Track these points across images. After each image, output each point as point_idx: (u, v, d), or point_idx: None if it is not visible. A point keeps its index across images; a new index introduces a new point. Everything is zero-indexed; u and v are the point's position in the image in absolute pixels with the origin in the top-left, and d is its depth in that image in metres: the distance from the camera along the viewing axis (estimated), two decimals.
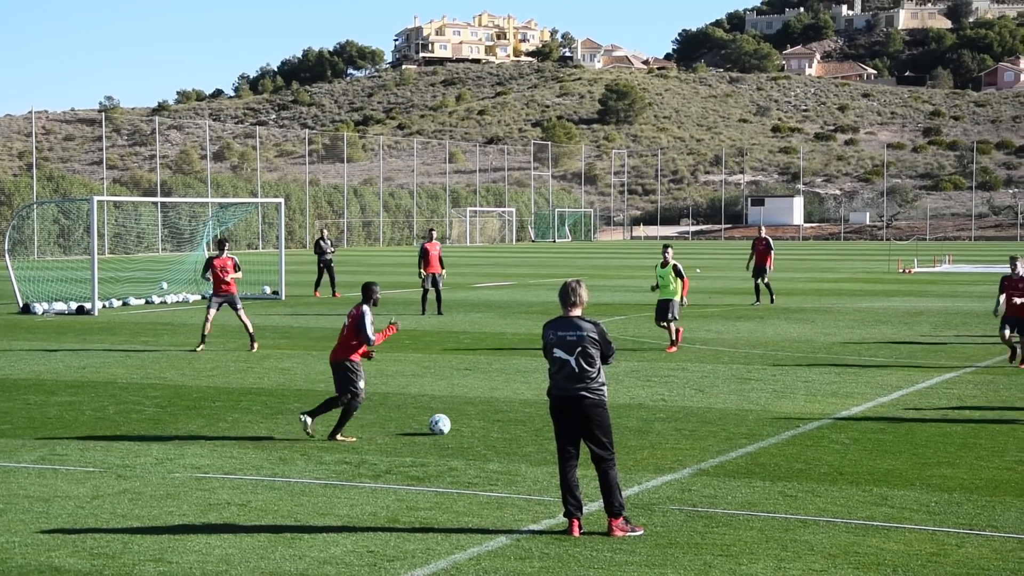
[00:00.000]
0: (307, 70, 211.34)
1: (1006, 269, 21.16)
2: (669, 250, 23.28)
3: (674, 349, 22.46)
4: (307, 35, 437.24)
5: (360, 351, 13.96)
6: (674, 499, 11.00)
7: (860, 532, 9.87)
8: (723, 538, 9.68)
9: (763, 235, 33.56)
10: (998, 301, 20.58)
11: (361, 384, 13.93)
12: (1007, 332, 19.77)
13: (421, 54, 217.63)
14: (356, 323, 13.91)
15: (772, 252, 33.41)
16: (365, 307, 13.92)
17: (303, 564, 9.04)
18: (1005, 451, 13.10)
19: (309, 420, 13.74)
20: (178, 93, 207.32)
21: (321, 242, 36.85)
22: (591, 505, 10.39)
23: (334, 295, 36.08)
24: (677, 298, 22.81)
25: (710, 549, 9.39)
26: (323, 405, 13.98)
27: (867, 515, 10.40)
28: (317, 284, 37.01)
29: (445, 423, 14.12)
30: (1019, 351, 19.81)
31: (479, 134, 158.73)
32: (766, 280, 33.18)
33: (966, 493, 11.17)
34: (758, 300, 33.27)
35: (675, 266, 22.88)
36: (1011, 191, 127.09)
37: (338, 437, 13.80)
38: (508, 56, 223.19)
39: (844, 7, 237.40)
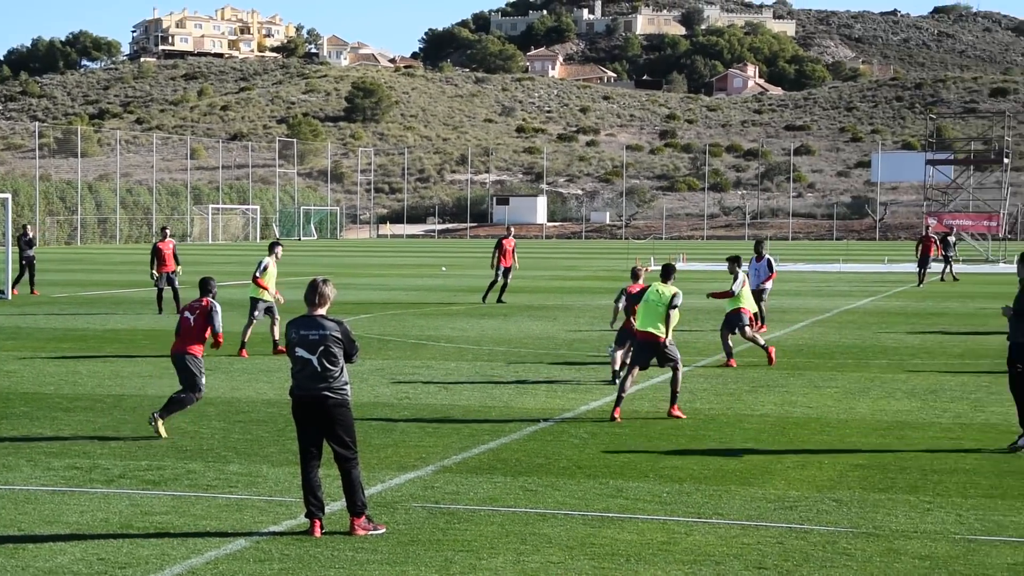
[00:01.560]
0: (37, 60, 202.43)
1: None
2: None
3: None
4: (37, 24, 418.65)
5: (201, 345, 14.08)
6: (417, 496, 11.03)
7: (596, 524, 10.14)
8: (464, 534, 9.78)
9: (510, 234, 34.18)
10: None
11: (203, 380, 14.15)
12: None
13: (161, 47, 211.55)
14: (207, 315, 14.01)
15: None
16: (213, 299, 14.16)
17: (26, 575, 8.64)
18: (731, 442, 13.69)
19: (161, 420, 13.73)
20: None
21: (22, 239, 35.85)
22: (334, 505, 10.32)
23: (32, 292, 35.15)
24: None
25: (451, 545, 9.46)
26: (171, 404, 13.98)
27: (603, 507, 10.69)
28: (23, 281, 35.64)
29: None
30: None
31: (222, 130, 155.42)
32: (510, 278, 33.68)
33: (695, 483, 11.62)
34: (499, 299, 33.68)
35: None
36: (740, 193, 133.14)
37: (160, 423, 13.70)
38: (252, 51, 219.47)
39: (585, 11, 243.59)
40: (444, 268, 54.12)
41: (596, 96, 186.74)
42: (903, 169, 76.56)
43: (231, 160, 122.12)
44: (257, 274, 21.75)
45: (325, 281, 10.14)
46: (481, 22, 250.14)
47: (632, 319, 17.05)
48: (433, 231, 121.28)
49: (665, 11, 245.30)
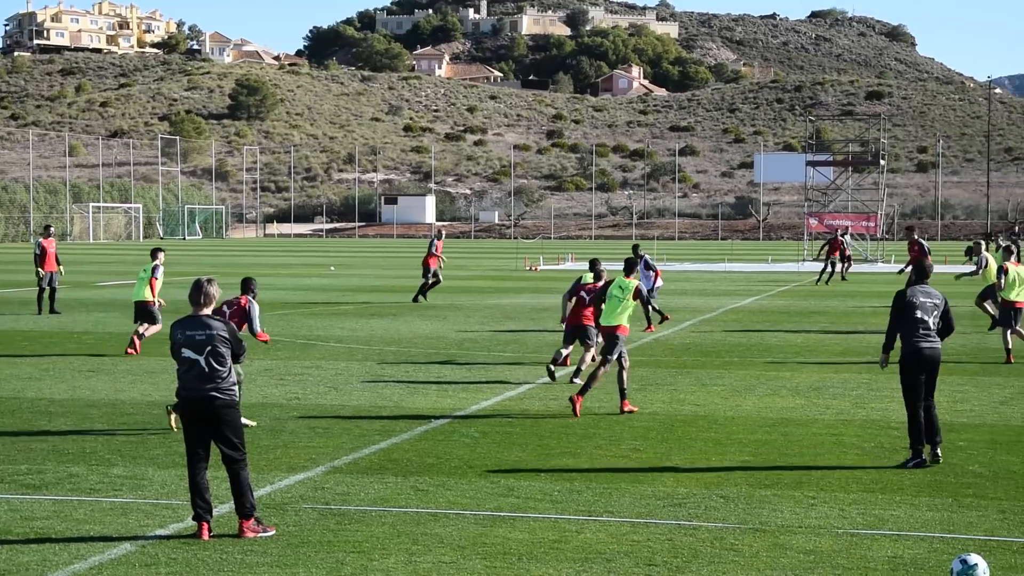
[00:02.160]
0: None
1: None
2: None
3: None
4: None
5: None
6: (307, 497, 10.93)
7: (488, 523, 10.15)
8: (355, 535, 9.71)
9: (440, 235, 34.91)
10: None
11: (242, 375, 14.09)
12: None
13: (36, 41, 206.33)
14: (242, 313, 14.22)
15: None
16: (252, 299, 14.31)
17: None
18: (621, 440, 13.81)
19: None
20: None
21: None
22: (222, 507, 10.17)
23: None
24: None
25: (342, 546, 9.39)
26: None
27: (495, 506, 10.70)
28: None
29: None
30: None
31: (102, 127, 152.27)
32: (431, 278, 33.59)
33: (586, 481, 11.70)
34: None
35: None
36: (627, 192, 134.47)
37: (174, 418, 13.80)
38: (132, 47, 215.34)
39: (471, 11, 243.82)
40: (332, 268, 53.72)
41: (483, 96, 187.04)
42: (784, 170, 77.98)
43: (112, 158, 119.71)
44: (155, 279, 21.87)
45: (210, 281, 10.01)
46: (367, 20, 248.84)
47: (582, 316, 17.89)
48: (321, 230, 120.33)
49: (550, 12, 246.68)
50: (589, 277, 18.41)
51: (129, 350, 21.21)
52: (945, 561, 8.96)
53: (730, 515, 10.43)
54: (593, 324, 17.16)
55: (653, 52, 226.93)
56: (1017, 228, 75.19)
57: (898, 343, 12.89)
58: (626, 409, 15.56)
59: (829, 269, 43.19)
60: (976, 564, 8.45)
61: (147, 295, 21.76)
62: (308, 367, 19.89)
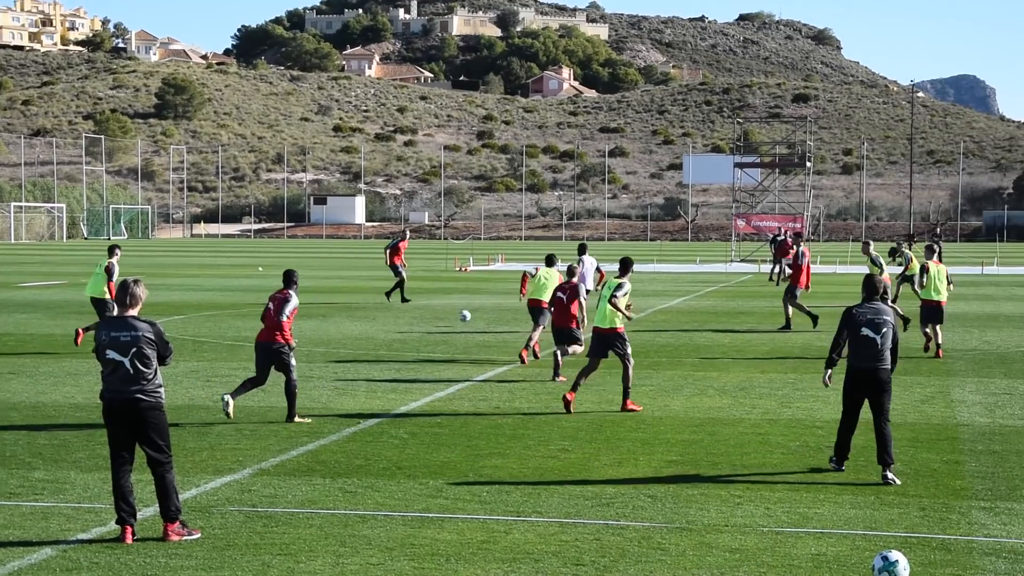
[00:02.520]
0: None
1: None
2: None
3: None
4: None
5: (287, 333, 14.80)
6: (233, 500, 10.83)
7: (416, 524, 10.12)
8: (282, 537, 9.64)
9: (405, 235, 35.38)
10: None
11: (294, 362, 14.90)
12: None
13: None
14: (283, 302, 14.78)
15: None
16: (293, 291, 14.94)
17: None
18: (550, 440, 13.84)
19: (231, 401, 14.66)
20: None
21: None
22: (146, 510, 10.05)
23: None
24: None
25: (269, 549, 9.32)
26: (243, 385, 15.00)
27: (423, 507, 10.68)
28: None
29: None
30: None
31: (24, 125, 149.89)
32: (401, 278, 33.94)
33: (515, 482, 11.70)
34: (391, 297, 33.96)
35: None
36: (557, 193, 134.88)
37: (296, 419, 14.72)
38: (55, 44, 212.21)
39: (401, 11, 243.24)
40: (260, 268, 53.30)
41: (413, 96, 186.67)
42: (713, 172, 78.61)
43: (34, 157, 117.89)
44: (112, 279, 22.08)
45: (136, 281, 9.88)
46: (296, 20, 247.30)
47: (567, 317, 18.55)
48: (249, 231, 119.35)
49: (481, 12, 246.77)
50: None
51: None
52: (867, 558, 9.09)
53: (657, 514, 10.50)
54: (576, 326, 18.40)
55: (583, 54, 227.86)
56: (939, 229, 76.46)
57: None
58: (628, 407, 15.84)
59: (778, 269, 43.87)
60: (897, 560, 8.59)
61: (103, 291, 22.11)
62: (236, 368, 19.71)
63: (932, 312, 21.69)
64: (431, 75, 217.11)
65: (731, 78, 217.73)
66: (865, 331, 11.88)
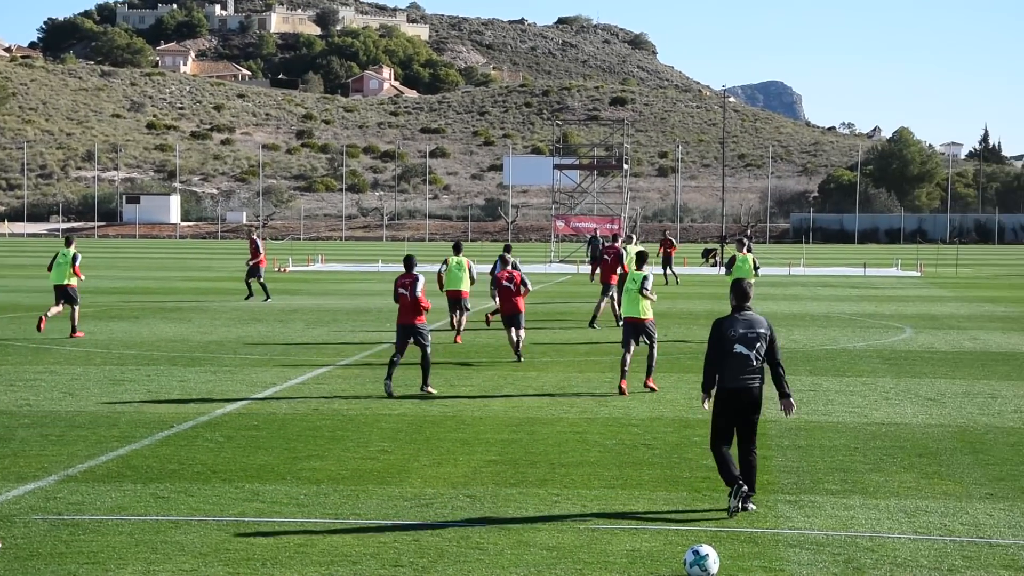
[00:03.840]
0: None
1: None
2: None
3: None
4: None
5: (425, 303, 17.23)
6: (37, 508, 10.46)
7: (232, 529, 9.94)
8: (90, 545, 9.35)
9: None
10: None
11: (431, 337, 17.51)
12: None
13: None
14: (414, 282, 17.11)
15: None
16: (417, 273, 17.22)
17: None
18: (369, 442, 13.76)
19: (390, 383, 16.84)
20: None
21: None
22: None
23: None
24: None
25: (75, 558, 9.02)
26: (390, 368, 17.06)
27: (239, 512, 10.49)
28: None
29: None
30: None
31: None
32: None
33: (333, 484, 11.60)
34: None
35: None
36: (378, 194, 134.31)
37: (429, 388, 17.16)
38: None
39: (217, 7, 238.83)
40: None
41: (231, 94, 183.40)
42: (533, 173, 79.30)
43: None
44: (77, 264, 25.00)
45: None
46: (107, 13, 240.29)
47: (515, 302, 21.54)
48: (57, 230, 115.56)
49: (300, 10, 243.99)
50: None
51: (78, 333, 24.28)
52: (679, 552, 9.29)
53: (476, 514, 10.53)
54: (522, 311, 21.45)
55: (404, 54, 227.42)
56: (749, 231, 78.83)
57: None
58: (649, 385, 17.60)
59: (669, 271, 44.67)
60: (707, 555, 8.82)
61: (69, 279, 24.73)
62: (41, 372, 19.05)
63: None
64: (249, 73, 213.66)
65: (550, 80, 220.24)
66: (738, 348, 10.70)
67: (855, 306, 34.35)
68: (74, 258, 24.98)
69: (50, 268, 25.27)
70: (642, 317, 17.39)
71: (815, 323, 28.97)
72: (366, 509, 10.66)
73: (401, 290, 17.37)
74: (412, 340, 17.14)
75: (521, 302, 21.65)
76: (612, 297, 27.17)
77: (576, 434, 14.36)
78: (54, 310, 25.06)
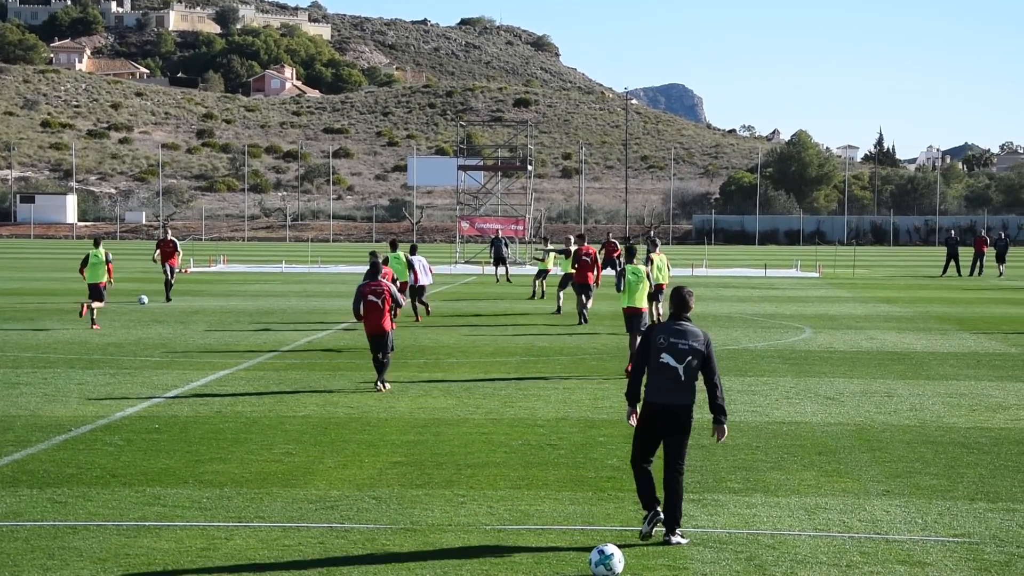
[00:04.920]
0: None
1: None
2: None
3: None
4: None
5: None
6: None
7: (132, 533, 9.77)
8: None
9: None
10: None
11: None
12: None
13: None
14: (391, 296, 17.45)
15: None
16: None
17: None
18: (273, 444, 13.62)
19: (382, 385, 17.39)
20: None
21: None
22: None
23: None
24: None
25: None
26: (379, 368, 17.53)
27: (139, 516, 10.32)
28: None
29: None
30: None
31: None
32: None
33: (236, 487, 11.47)
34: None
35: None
36: (281, 194, 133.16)
37: (383, 385, 17.53)
38: None
39: (113, 3, 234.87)
40: None
41: (128, 92, 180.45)
42: (437, 174, 79.12)
43: None
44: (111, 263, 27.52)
45: None
46: None
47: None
48: None
49: (199, 8, 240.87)
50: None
51: (95, 326, 26.13)
52: (585, 552, 9.34)
53: (382, 516, 10.49)
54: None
55: (306, 53, 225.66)
56: (652, 232, 79.57)
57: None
58: (628, 370, 17.83)
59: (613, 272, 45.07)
60: (612, 554, 8.88)
61: (102, 277, 27.06)
62: None
63: (657, 292, 24.89)
64: (147, 71, 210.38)
65: (454, 81, 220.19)
66: (665, 358, 9.83)
67: (756, 307, 34.84)
68: (107, 256, 27.72)
69: (82, 270, 27.63)
70: (640, 307, 19.91)
71: (717, 323, 29.31)
72: (270, 512, 10.55)
73: (372, 298, 17.29)
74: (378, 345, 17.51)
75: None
76: (587, 296, 28.70)
77: (482, 435, 14.36)
78: (96, 305, 26.98)
